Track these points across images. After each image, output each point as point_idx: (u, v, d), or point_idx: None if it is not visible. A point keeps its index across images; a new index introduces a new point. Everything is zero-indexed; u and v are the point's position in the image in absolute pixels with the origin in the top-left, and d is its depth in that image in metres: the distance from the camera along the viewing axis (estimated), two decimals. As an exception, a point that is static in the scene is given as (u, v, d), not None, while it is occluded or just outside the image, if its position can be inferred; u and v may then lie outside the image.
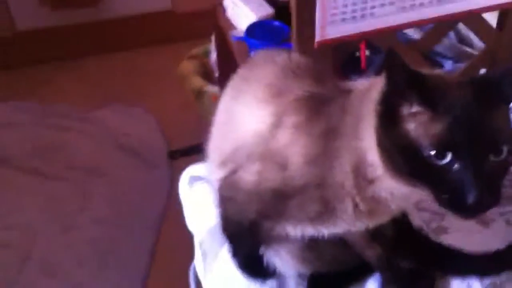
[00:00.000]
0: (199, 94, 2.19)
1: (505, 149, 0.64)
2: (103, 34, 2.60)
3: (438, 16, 1.07)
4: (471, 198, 0.62)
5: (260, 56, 0.94)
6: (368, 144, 0.70)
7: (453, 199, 0.64)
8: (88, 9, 2.56)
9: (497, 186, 0.65)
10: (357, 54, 1.38)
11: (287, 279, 0.92)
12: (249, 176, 0.80)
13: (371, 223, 0.78)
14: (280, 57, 0.86)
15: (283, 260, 0.89)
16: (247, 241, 0.88)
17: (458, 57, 1.28)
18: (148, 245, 1.86)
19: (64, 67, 2.58)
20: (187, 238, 1.08)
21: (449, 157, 0.63)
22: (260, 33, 1.59)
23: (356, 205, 0.74)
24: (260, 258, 0.90)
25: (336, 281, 0.91)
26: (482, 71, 1.24)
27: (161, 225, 1.92)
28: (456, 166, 0.63)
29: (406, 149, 0.65)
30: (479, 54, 1.19)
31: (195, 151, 2.05)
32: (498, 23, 1.17)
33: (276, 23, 1.62)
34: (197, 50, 2.31)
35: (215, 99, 2.14)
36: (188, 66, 2.25)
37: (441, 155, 0.63)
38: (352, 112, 0.73)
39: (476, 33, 1.15)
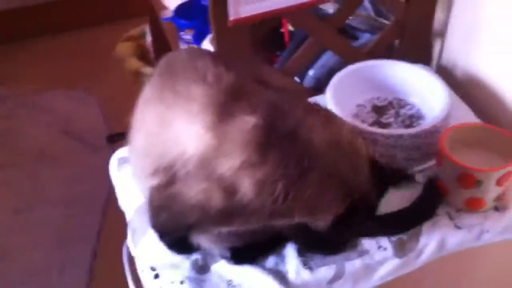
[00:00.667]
0: (137, 75, 2.20)
1: None
2: (44, 16, 2.57)
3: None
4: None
5: (181, 65, 0.90)
6: None
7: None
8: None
9: None
10: (281, 30, 1.43)
11: (211, 250, 0.97)
12: (192, 192, 0.82)
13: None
14: (209, 70, 0.85)
15: (204, 241, 0.94)
16: (177, 236, 0.94)
17: (374, 30, 1.34)
18: (95, 226, 1.90)
19: (3, 51, 2.55)
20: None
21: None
22: (188, 14, 1.61)
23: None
24: (184, 238, 0.94)
25: (257, 250, 0.96)
26: (396, 42, 1.30)
27: (106, 207, 1.96)
28: None
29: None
30: (389, 27, 1.25)
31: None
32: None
33: (205, 2, 1.65)
34: (133, 31, 2.32)
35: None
36: (124, 48, 2.26)
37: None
38: None
39: (386, 6, 1.21)
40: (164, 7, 1.85)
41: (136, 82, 2.22)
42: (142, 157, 0.90)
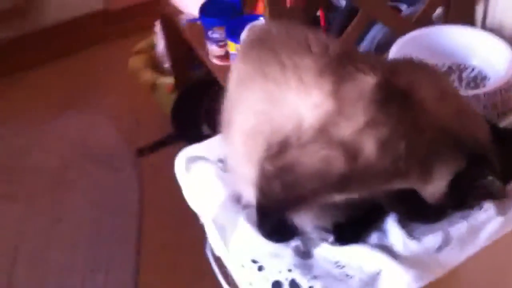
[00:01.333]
0: (154, 87, 2.17)
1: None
2: (42, 43, 2.52)
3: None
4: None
5: (277, 38, 0.87)
6: None
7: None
8: (18, 20, 2.47)
9: None
10: (318, 13, 1.40)
11: (310, 234, 0.94)
12: (311, 160, 0.80)
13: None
14: (310, 41, 0.83)
15: (302, 219, 0.91)
16: (282, 214, 0.90)
17: (413, 1, 1.33)
18: (131, 244, 1.85)
19: (8, 83, 2.48)
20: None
21: None
22: (213, 11, 1.59)
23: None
24: (285, 223, 0.91)
25: (360, 225, 0.93)
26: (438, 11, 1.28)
27: (141, 224, 1.91)
28: None
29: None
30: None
31: (162, 145, 2.06)
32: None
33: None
34: (142, 44, 2.28)
35: (170, 89, 2.14)
36: (136, 62, 2.22)
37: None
38: None
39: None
40: (180, 12, 1.82)
41: (153, 94, 2.18)
42: (252, 138, 0.86)
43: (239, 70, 0.90)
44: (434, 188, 0.83)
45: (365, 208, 0.92)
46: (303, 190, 0.83)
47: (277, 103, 0.83)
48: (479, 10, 1.31)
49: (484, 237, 0.94)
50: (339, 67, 0.81)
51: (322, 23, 1.42)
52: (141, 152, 2.06)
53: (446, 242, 0.92)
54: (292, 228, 0.92)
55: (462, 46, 1.17)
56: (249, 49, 0.90)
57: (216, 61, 1.64)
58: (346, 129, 0.78)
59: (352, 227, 0.93)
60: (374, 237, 0.94)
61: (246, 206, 0.99)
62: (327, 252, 0.93)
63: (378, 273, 0.89)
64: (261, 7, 1.59)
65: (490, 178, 0.82)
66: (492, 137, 0.83)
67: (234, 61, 0.94)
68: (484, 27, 1.33)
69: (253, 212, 0.95)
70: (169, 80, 2.13)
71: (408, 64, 0.84)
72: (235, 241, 0.97)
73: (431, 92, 0.80)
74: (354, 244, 0.92)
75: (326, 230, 0.94)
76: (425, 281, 0.89)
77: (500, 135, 0.85)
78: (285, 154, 0.82)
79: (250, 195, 0.92)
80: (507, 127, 0.91)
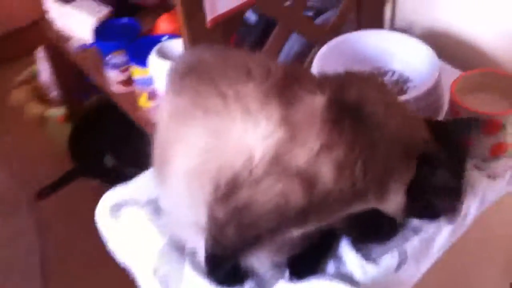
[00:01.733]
0: (43, 120, 1.99)
1: None
2: None
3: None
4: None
5: (213, 65, 0.80)
6: None
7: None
8: None
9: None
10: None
11: (264, 274, 0.87)
12: (266, 196, 0.73)
13: None
14: (248, 65, 0.77)
15: (259, 258, 0.84)
16: (236, 259, 0.82)
17: (322, 9, 1.30)
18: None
19: None
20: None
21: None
22: (109, 35, 1.47)
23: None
24: (237, 266, 0.84)
25: (315, 255, 0.88)
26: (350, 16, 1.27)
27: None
28: None
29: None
30: (346, 0, 1.22)
31: (63, 183, 1.89)
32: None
33: (125, 20, 1.51)
34: (24, 74, 2.08)
35: (62, 121, 1.97)
36: (20, 94, 2.03)
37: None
38: None
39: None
40: (67, 37, 1.67)
41: (43, 128, 2.00)
42: (196, 179, 0.77)
43: (172, 104, 0.81)
44: (394, 202, 0.79)
45: (319, 237, 0.87)
46: (260, 231, 0.76)
47: (222, 138, 0.75)
48: (387, 12, 1.31)
49: (437, 248, 0.92)
50: (285, 90, 0.74)
51: (231, 40, 1.36)
52: (40, 194, 1.87)
53: (403, 260, 0.89)
54: (246, 270, 0.85)
55: (381, 51, 1.16)
56: (181, 80, 0.81)
57: (117, 88, 1.52)
58: (301, 156, 0.71)
59: (307, 259, 0.87)
60: (331, 266, 0.89)
61: (190, 253, 0.90)
62: (285, 290, 0.86)
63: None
64: (161, 26, 1.49)
65: (443, 172, 0.80)
66: (433, 133, 0.81)
67: (165, 93, 0.85)
68: (393, 29, 1.34)
69: (199, 258, 0.86)
70: (59, 111, 1.96)
71: (352, 77, 0.79)
72: (183, 291, 0.88)
73: (378, 104, 0.75)
74: (311, 276, 0.86)
75: (281, 266, 0.87)
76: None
77: (438, 129, 0.83)
78: (236, 195, 0.74)
79: (196, 242, 0.83)
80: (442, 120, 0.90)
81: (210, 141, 0.75)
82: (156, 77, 1.29)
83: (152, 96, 1.39)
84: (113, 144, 1.83)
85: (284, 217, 0.74)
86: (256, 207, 0.74)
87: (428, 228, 0.92)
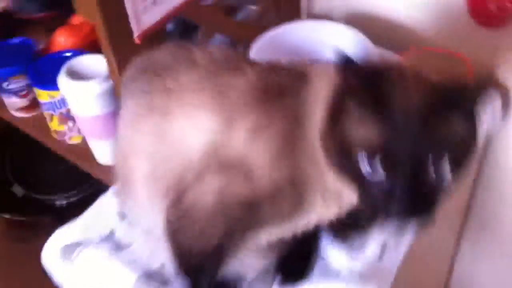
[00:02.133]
0: None
1: (445, 162, 0.57)
2: None
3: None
4: (393, 210, 0.58)
5: (159, 63, 0.74)
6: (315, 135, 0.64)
7: (376, 205, 0.60)
8: None
9: (431, 207, 0.59)
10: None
11: (253, 282, 0.83)
12: (207, 196, 0.67)
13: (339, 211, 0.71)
14: (194, 54, 0.71)
15: (245, 265, 0.80)
16: (210, 269, 0.75)
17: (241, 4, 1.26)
18: None
19: None
20: None
21: (378, 165, 0.57)
22: (3, 59, 1.31)
23: (323, 195, 0.68)
24: (221, 280, 0.79)
25: (302, 258, 0.85)
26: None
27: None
28: (386, 176, 0.57)
29: (343, 148, 0.60)
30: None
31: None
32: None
33: (16, 40, 1.35)
34: None
35: None
36: None
37: (370, 161, 0.58)
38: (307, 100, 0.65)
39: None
40: None
41: None
42: (152, 185, 0.72)
43: (126, 109, 0.75)
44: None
45: (303, 238, 0.83)
46: (216, 236, 0.70)
47: (165, 138, 0.70)
48: (304, 1, 1.29)
49: (411, 230, 0.92)
50: (219, 75, 0.70)
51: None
52: None
53: (384, 247, 0.89)
54: (232, 283, 0.81)
55: (314, 41, 1.14)
56: (132, 83, 0.75)
57: (19, 114, 1.38)
58: (234, 145, 0.66)
59: (296, 263, 0.84)
60: (317, 268, 0.86)
61: (164, 281, 0.84)
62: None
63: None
64: (59, 42, 1.35)
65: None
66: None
67: (122, 100, 0.78)
68: (313, 17, 1.32)
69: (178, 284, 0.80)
70: None
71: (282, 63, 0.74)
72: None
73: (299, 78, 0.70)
74: (303, 280, 0.84)
75: (271, 272, 0.83)
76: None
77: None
78: (183, 198, 0.69)
79: (166, 262, 0.77)
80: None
81: (156, 143, 0.70)
82: (69, 99, 1.18)
83: (64, 119, 1.27)
84: (20, 172, 1.68)
85: (231, 216, 0.68)
86: (200, 208, 0.68)
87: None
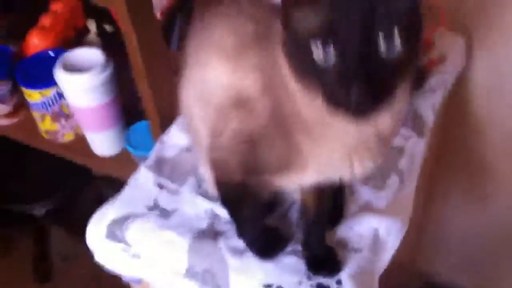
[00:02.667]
0: None
1: (395, 33, 0.56)
2: None
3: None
4: (352, 93, 0.57)
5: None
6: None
7: (337, 99, 0.59)
8: None
9: (389, 85, 0.58)
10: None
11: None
12: (227, 133, 0.76)
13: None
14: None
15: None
16: (248, 206, 0.84)
17: None
18: None
19: None
20: None
21: (330, 49, 0.57)
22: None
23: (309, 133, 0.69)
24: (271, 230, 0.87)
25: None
26: None
27: None
28: (338, 57, 0.57)
29: (297, 44, 0.60)
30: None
31: None
32: None
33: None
34: None
35: None
36: None
37: (322, 46, 0.57)
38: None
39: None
40: None
41: None
42: (202, 123, 0.82)
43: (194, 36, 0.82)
44: None
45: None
46: (238, 173, 0.78)
47: (204, 85, 0.80)
48: None
49: (417, 163, 1.03)
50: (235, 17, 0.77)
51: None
52: None
53: (401, 179, 0.98)
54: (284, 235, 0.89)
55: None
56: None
57: (3, 122, 1.37)
58: (243, 84, 0.73)
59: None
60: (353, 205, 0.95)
61: (216, 235, 0.90)
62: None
63: (377, 233, 0.91)
64: (33, 43, 1.35)
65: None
66: None
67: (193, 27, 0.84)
68: None
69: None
70: None
71: None
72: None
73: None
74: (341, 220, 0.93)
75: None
76: (407, 222, 0.95)
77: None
78: (215, 134, 0.79)
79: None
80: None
81: (200, 92, 0.80)
82: (68, 92, 1.20)
83: (57, 117, 1.28)
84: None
85: (243, 153, 0.76)
86: (222, 145, 0.78)
87: (408, 145, 1.02)
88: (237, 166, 0.78)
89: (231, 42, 0.75)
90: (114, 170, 1.30)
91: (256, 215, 0.87)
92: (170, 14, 1.13)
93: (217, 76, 0.76)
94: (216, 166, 0.82)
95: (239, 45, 0.74)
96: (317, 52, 0.58)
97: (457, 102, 1.36)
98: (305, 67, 0.60)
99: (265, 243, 0.88)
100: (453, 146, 1.50)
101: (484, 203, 1.59)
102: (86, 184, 1.83)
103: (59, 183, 1.78)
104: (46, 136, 1.33)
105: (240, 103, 0.74)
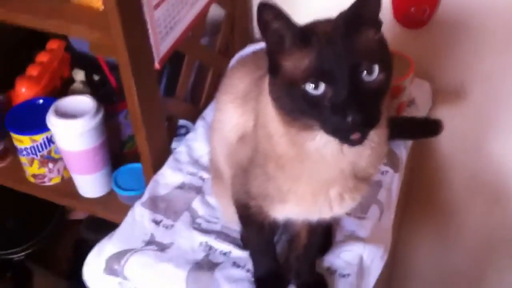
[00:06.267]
0: None
1: (375, 67, 0.66)
2: None
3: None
4: (349, 118, 0.64)
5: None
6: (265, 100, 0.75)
7: (336, 127, 0.67)
8: None
9: (375, 107, 0.68)
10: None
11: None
12: (237, 160, 0.87)
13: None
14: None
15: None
16: (253, 221, 0.88)
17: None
18: None
19: None
20: None
21: (322, 86, 0.66)
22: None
23: (283, 169, 0.77)
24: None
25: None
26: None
27: None
28: (330, 93, 0.66)
29: (288, 88, 0.68)
30: (224, 21, 1.35)
31: None
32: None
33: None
34: None
35: None
36: None
37: (315, 86, 0.66)
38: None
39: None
40: None
41: None
42: (224, 161, 0.94)
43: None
44: None
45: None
46: (246, 194, 0.85)
47: (221, 128, 0.91)
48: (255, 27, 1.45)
49: (394, 195, 1.12)
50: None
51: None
52: None
53: (382, 209, 1.06)
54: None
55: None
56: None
57: (-12, 169, 1.40)
58: (246, 125, 0.84)
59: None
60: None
61: (212, 266, 0.95)
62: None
63: (361, 260, 0.98)
64: (21, 92, 1.40)
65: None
66: None
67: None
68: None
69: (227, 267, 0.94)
70: None
71: None
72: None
73: None
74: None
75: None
76: (388, 249, 1.03)
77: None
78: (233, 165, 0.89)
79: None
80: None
81: (219, 134, 0.92)
82: (58, 137, 1.24)
83: (45, 161, 1.32)
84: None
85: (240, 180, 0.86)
86: (234, 171, 0.89)
87: (385, 179, 1.11)
88: (244, 186, 0.85)
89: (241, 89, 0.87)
90: (100, 211, 1.33)
91: (265, 242, 0.93)
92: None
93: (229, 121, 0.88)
94: (234, 188, 0.89)
95: (247, 90, 0.86)
96: (310, 90, 0.66)
97: (421, 145, 1.45)
98: (294, 106, 0.68)
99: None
100: (420, 185, 1.58)
101: (447, 245, 1.69)
102: (63, 229, 1.83)
103: (36, 228, 1.78)
104: (32, 180, 1.36)
105: (244, 141, 0.84)
